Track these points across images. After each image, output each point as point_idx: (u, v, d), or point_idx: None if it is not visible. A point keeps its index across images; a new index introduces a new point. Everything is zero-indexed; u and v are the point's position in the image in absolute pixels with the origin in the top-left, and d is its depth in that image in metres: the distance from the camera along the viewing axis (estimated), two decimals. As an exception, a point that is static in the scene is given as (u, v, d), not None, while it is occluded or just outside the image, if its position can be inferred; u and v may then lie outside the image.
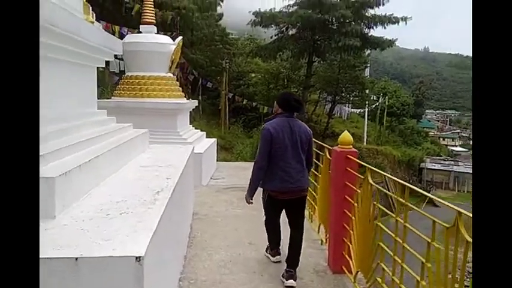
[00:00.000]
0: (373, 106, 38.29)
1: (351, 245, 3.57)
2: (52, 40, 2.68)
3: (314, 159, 5.28)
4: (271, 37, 27.73)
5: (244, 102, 24.92)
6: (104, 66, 4.28)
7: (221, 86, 24.84)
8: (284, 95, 4.08)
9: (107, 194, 2.73)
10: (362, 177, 3.39)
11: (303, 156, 3.80)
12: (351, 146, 3.85)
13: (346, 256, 3.66)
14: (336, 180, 3.84)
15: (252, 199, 3.96)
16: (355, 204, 3.48)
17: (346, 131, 4.00)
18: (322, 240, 4.54)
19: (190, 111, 9.94)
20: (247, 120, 25.84)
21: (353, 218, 3.51)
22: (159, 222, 2.24)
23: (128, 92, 8.45)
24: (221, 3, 25.70)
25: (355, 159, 3.69)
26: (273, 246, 4.18)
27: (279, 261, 4.08)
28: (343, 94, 32.33)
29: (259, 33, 32.74)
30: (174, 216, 3.26)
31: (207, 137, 10.21)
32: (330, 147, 4.39)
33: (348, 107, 37.03)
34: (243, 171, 8.79)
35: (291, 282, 3.60)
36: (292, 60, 28.47)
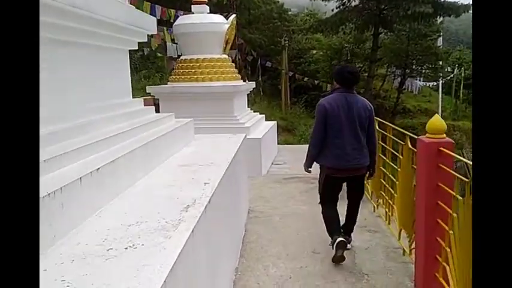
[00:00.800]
0: (448, 78, 35.15)
1: (447, 267, 2.68)
2: (54, 18, 2.07)
3: (391, 149, 4.42)
4: (332, 10, 26.02)
5: (305, 80, 23.77)
6: (136, 48, 3.68)
7: (281, 65, 23.85)
8: (338, 69, 3.89)
9: (121, 212, 2.10)
10: (466, 179, 2.44)
11: (361, 133, 3.60)
12: (444, 135, 2.90)
13: (441, 279, 2.78)
14: (424, 179, 2.92)
15: (310, 168, 3.88)
16: (454, 215, 2.57)
17: (436, 114, 3.04)
18: (404, 250, 3.66)
19: (248, 94, 9.33)
20: (309, 99, 24.54)
21: (451, 232, 2.61)
22: (176, 261, 1.56)
23: (183, 77, 8.11)
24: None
25: (451, 153, 2.75)
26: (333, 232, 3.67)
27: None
28: (413, 67, 29.80)
29: (319, 7, 31.05)
30: (214, 232, 2.59)
31: (268, 119, 9.65)
32: (413, 135, 3.46)
33: (419, 80, 34.29)
34: (305, 154, 8.03)
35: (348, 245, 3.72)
36: (356, 33, 26.46)
